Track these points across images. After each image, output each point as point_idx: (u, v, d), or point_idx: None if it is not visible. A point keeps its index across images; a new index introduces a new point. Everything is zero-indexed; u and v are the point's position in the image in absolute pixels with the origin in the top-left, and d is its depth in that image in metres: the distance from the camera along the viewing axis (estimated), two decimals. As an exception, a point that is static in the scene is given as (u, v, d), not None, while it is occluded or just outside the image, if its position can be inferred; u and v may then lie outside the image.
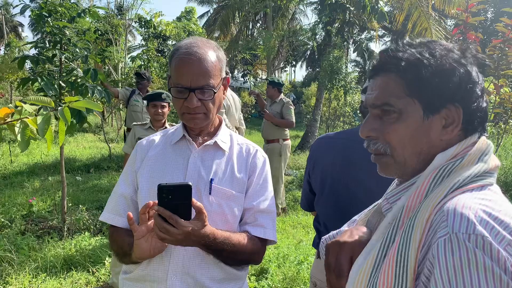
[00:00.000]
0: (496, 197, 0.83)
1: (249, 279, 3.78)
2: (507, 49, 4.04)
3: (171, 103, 3.90)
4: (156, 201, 1.20)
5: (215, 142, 1.48)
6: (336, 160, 1.79)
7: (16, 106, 1.83)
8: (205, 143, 1.47)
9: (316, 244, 1.96)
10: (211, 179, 1.41)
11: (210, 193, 1.40)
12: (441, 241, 0.75)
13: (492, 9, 22.09)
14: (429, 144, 0.89)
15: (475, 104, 0.88)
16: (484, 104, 0.89)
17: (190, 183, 1.18)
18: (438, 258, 0.74)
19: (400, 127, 0.90)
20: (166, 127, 3.75)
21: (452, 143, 0.89)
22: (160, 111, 3.82)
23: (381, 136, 0.93)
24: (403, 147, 0.91)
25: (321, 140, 1.94)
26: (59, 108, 1.86)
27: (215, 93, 1.38)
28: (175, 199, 1.17)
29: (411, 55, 0.89)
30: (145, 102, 6.23)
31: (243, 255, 1.41)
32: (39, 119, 1.83)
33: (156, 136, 1.58)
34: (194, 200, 1.20)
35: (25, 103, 1.86)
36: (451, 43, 0.92)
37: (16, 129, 1.78)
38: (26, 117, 1.82)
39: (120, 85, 10.12)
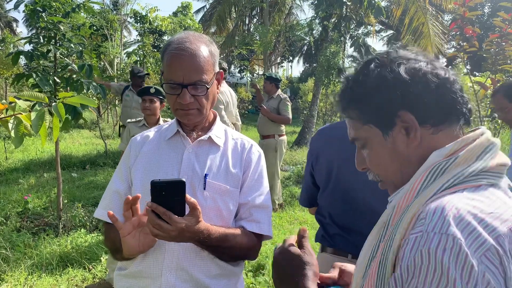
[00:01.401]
0: (493, 198, 0.78)
1: (246, 275, 3.78)
2: (504, 44, 4.04)
3: (164, 99, 3.87)
4: (136, 196, 1.22)
5: (210, 137, 1.46)
6: (341, 149, 1.77)
7: (10, 102, 1.81)
8: (199, 138, 1.46)
9: (319, 238, 1.92)
10: (205, 174, 1.40)
11: (204, 189, 1.39)
12: (412, 237, 0.73)
13: (489, 4, 22.09)
14: (402, 158, 0.88)
15: (424, 99, 0.84)
16: (444, 90, 0.84)
17: (183, 179, 1.17)
18: (402, 256, 0.73)
19: (372, 155, 0.93)
20: (159, 124, 3.71)
21: (432, 143, 0.86)
22: (147, 105, 3.76)
23: (368, 166, 0.97)
24: (384, 171, 0.93)
25: (322, 132, 1.94)
26: (53, 104, 1.84)
27: (208, 88, 1.36)
28: (169, 195, 1.16)
29: (344, 87, 0.94)
30: (136, 97, 6.16)
31: (238, 251, 1.40)
32: (33, 115, 1.80)
33: (150, 132, 1.56)
34: (188, 196, 1.19)
35: (19, 99, 1.83)
36: (383, 55, 0.91)
37: (10, 125, 1.75)
38: (20, 113, 1.80)
39: (116, 80, 10.07)
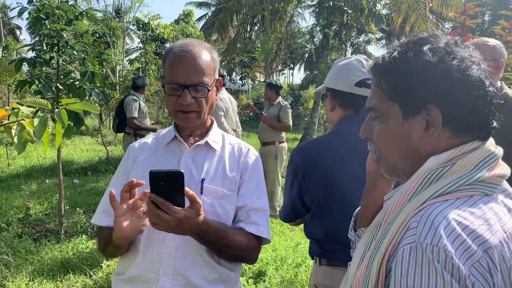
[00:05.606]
0: (485, 209, 0.78)
1: (247, 282, 3.78)
2: (504, 51, 4.05)
3: None
4: (140, 182, 1.24)
5: (206, 142, 1.48)
6: (338, 166, 1.69)
7: (13, 108, 1.83)
8: (197, 143, 1.48)
9: (316, 254, 1.82)
10: (202, 179, 1.42)
11: (201, 193, 1.40)
12: (407, 248, 0.74)
13: (489, 12, 22.17)
14: (412, 147, 0.87)
15: (457, 104, 0.82)
16: (475, 105, 0.82)
17: (182, 170, 1.18)
18: (399, 265, 0.74)
19: (382, 130, 0.91)
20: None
21: (443, 145, 0.85)
22: None
23: (373, 138, 0.95)
24: (389, 150, 0.92)
25: (308, 149, 1.81)
26: (56, 110, 1.86)
27: (209, 90, 1.39)
28: (167, 186, 1.18)
29: (389, 57, 0.89)
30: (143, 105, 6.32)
31: (237, 250, 1.40)
32: (36, 121, 1.82)
33: (148, 139, 1.59)
34: (187, 188, 1.20)
35: (22, 105, 1.86)
36: (440, 39, 0.87)
37: (13, 131, 1.77)
38: (23, 119, 1.82)
39: (118, 87, 10.11)
